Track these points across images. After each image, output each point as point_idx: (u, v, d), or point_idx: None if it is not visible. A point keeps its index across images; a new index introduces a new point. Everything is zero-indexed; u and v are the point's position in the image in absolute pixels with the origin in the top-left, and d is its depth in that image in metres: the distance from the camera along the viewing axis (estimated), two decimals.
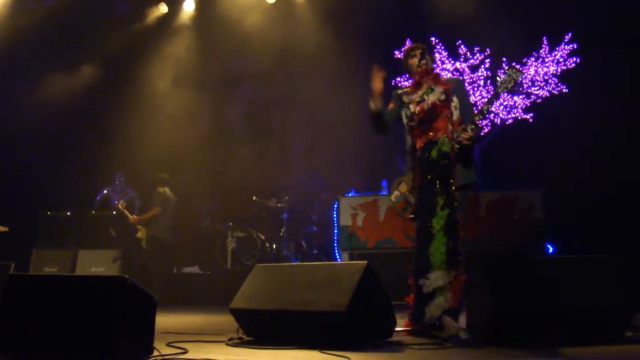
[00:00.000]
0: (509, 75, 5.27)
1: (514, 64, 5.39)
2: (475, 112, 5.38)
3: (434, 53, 11.29)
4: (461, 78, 11.05)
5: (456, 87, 5.35)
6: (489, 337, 4.31)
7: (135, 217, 10.14)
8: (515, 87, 5.48)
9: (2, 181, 10.76)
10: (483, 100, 11.35)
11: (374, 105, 5.38)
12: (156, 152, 11.04)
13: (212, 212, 11.68)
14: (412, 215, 5.40)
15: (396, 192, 5.56)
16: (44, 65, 11.67)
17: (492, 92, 11.13)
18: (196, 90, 12.28)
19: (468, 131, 5.13)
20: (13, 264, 5.93)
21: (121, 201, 10.24)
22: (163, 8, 12.44)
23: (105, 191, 11.20)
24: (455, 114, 5.19)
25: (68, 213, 10.96)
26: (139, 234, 10.02)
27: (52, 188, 11.16)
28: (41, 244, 10.60)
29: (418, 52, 5.37)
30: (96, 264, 10.27)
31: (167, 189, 10.16)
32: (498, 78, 5.57)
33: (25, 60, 11.52)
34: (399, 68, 10.84)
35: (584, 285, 4.28)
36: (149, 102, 11.86)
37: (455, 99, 5.22)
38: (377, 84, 5.35)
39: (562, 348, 3.97)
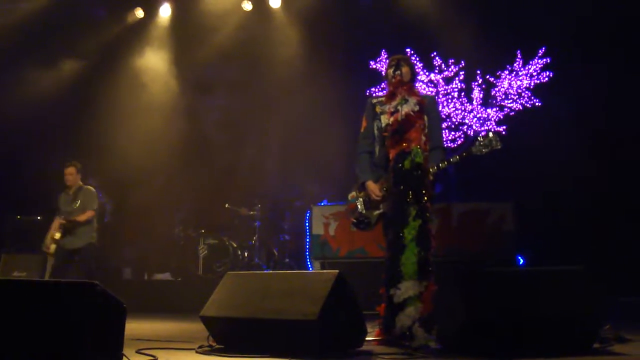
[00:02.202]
0: (490, 140, 5.33)
1: (498, 138, 5.36)
2: (438, 165, 5.43)
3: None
4: (434, 93, 11.09)
5: (428, 105, 5.36)
6: (458, 347, 4.34)
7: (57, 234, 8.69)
8: (487, 153, 5.53)
9: None
10: (457, 112, 11.41)
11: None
12: (129, 157, 10.94)
13: (184, 218, 11.63)
14: (355, 221, 5.47)
15: (353, 193, 5.59)
16: (13, 67, 11.53)
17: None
18: (170, 96, 12.22)
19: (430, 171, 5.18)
20: None
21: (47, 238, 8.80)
22: (139, 13, 12.37)
23: None
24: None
25: (38, 217, 10.82)
26: (51, 249, 8.69)
27: (23, 192, 11.03)
28: (10, 248, 10.46)
29: (395, 62, 5.39)
30: None
31: (88, 186, 9.04)
32: (479, 138, 5.57)
33: None
34: (373, 78, 10.89)
35: (554, 297, 4.31)
36: (122, 107, 11.77)
37: (425, 117, 5.23)
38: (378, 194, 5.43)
39: (531, 359, 4.00)
